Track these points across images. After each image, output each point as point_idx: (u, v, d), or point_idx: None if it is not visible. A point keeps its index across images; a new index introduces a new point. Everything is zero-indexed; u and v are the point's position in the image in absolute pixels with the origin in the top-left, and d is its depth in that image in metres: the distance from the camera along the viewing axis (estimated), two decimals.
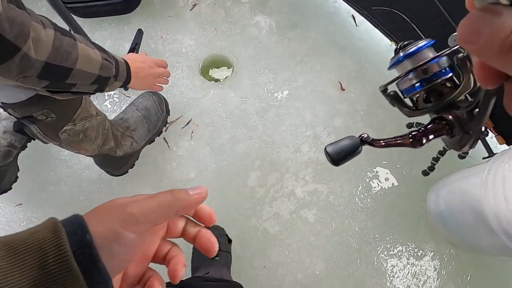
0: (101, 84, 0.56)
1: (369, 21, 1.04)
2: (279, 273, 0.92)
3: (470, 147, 0.30)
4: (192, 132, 1.04)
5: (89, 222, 0.23)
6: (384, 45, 1.13)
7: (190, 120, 1.05)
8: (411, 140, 0.31)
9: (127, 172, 0.96)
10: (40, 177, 1.01)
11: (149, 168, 1.01)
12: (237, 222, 0.96)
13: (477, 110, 0.28)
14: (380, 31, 1.03)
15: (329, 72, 1.11)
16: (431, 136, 0.31)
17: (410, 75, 0.31)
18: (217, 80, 1.12)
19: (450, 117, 0.30)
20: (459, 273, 0.92)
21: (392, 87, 0.35)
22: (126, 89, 0.71)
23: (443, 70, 0.30)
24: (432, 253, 0.94)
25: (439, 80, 0.30)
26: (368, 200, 0.98)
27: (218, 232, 0.90)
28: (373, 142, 0.32)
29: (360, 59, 1.13)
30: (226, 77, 1.12)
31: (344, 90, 1.09)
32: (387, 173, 1.01)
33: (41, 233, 0.22)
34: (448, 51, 0.29)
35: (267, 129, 1.05)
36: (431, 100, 0.32)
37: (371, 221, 0.96)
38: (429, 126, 0.31)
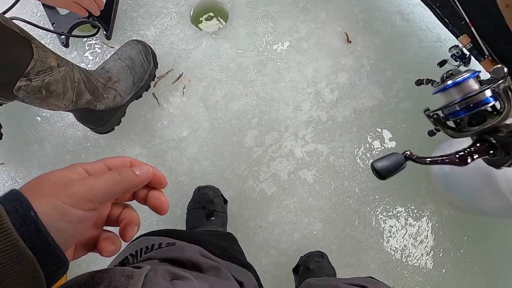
0: None
1: None
2: (276, 233, 0.91)
3: (510, 165, 0.33)
4: (183, 88, 0.96)
5: (30, 198, 0.22)
6: None
7: (181, 74, 0.96)
8: (457, 160, 0.33)
9: (113, 129, 0.90)
10: (21, 135, 0.94)
11: (138, 126, 0.94)
12: (233, 183, 0.92)
13: None
14: None
15: (335, 21, 1.00)
16: (475, 156, 0.33)
17: (456, 101, 0.34)
18: (210, 29, 1.00)
19: (493, 140, 0.32)
20: (457, 234, 0.92)
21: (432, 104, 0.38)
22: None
23: (487, 99, 0.33)
24: (431, 214, 0.93)
25: (483, 108, 0.33)
26: (370, 161, 0.94)
27: (214, 192, 0.87)
28: (417, 160, 0.33)
29: (370, 6, 1.01)
30: (220, 27, 1.00)
31: (350, 42, 0.99)
32: (391, 133, 0.96)
33: None
34: (493, 85, 0.32)
35: (265, 85, 0.97)
36: (474, 123, 0.34)
37: (372, 182, 0.93)
38: (474, 147, 0.33)
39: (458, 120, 0.36)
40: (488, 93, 0.33)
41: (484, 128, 0.33)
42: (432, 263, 0.91)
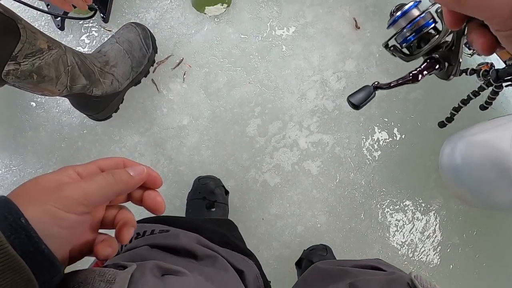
0: None
1: None
2: (278, 225, 0.88)
3: (455, 75, 0.39)
4: (184, 74, 0.92)
5: (20, 204, 0.21)
6: None
7: (182, 60, 0.92)
8: (411, 77, 0.40)
9: (111, 116, 0.86)
10: (15, 122, 0.91)
11: (137, 113, 0.90)
12: (235, 173, 0.89)
13: (453, 47, 0.37)
14: None
15: (343, 6, 0.96)
16: (425, 72, 0.40)
17: (405, 30, 0.40)
18: (212, 13, 0.96)
19: (437, 55, 0.39)
20: (465, 228, 0.89)
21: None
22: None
23: (428, 22, 0.39)
24: (440, 208, 0.90)
25: (425, 30, 0.39)
26: (378, 152, 0.91)
27: (214, 182, 0.84)
28: (384, 87, 0.41)
29: None
30: (223, 11, 0.96)
31: (359, 28, 0.94)
32: (399, 124, 0.92)
33: None
34: (429, 8, 0.39)
35: (269, 72, 0.93)
36: (422, 46, 0.40)
37: (379, 174, 0.90)
38: (423, 65, 0.40)
39: (410, 46, 0.43)
40: (428, 17, 0.40)
41: (429, 46, 0.39)
42: (440, 259, 0.89)
